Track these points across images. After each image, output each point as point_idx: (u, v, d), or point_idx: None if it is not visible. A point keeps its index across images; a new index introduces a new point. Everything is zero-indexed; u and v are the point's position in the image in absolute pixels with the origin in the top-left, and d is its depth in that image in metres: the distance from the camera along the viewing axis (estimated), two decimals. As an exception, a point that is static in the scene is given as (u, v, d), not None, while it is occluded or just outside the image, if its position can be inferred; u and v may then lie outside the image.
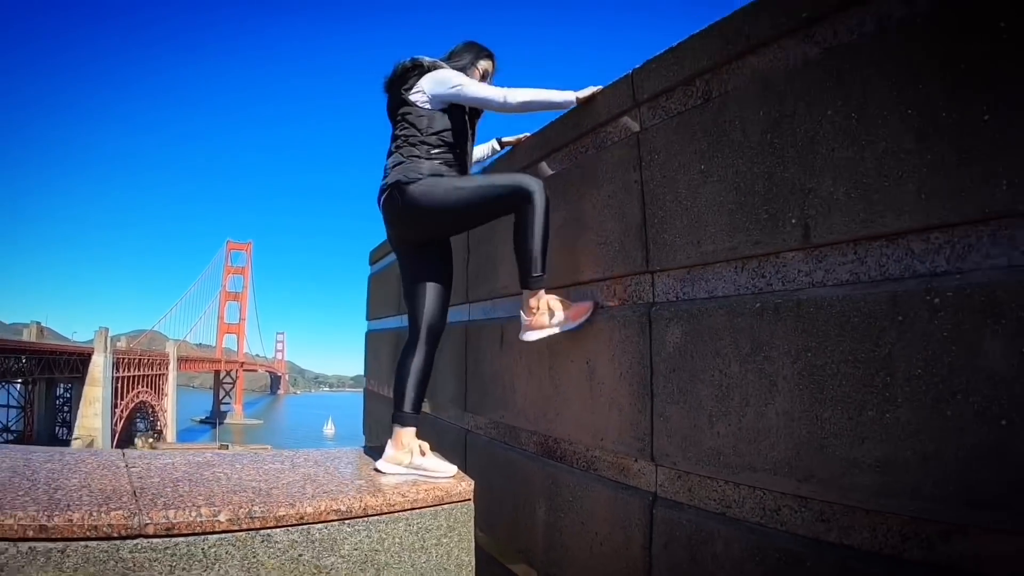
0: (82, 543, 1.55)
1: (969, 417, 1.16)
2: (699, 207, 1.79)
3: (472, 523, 2.15)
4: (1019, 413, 1.10)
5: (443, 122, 2.38)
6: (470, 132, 2.51)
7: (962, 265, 1.23)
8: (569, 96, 2.35)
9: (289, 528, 1.76)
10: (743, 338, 1.61)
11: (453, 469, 2.28)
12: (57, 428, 53.07)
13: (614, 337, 2.10)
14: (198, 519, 1.66)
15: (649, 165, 1.99)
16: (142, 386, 64.16)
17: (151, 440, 56.11)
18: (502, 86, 2.37)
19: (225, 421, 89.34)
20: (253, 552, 1.72)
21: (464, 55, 2.55)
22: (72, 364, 53.06)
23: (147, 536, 1.61)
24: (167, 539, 1.63)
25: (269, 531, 1.73)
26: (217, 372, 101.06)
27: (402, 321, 2.69)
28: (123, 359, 58.57)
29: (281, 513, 1.75)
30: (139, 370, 63.54)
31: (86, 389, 53.00)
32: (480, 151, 2.96)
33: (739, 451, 1.60)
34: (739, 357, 1.62)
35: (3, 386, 50.71)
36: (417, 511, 2.01)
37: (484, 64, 2.58)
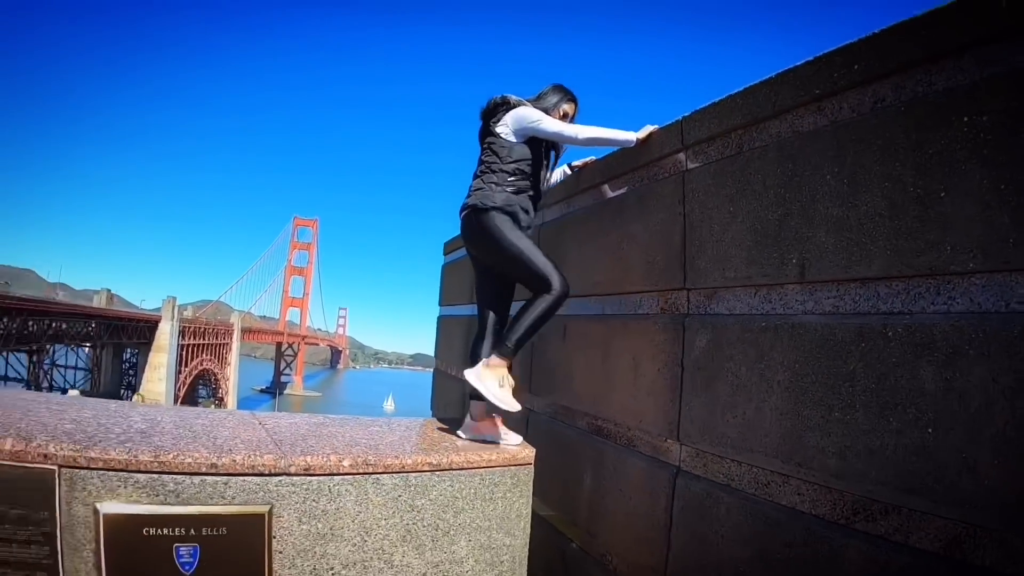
0: (241, 478, 2.04)
1: (905, 423, 1.52)
2: (726, 241, 2.17)
3: (531, 483, 2.60)
4: (941, 424, 1.46)
5: (522, 152, 2.78)
6: (546, 162, 2.91)
7: (912, 308, 1.58)
8: (630, 136, 2.72)
9: (393, 474, 2.25)
10: (751, 348, 1.99)
11: (519, 439, 2.73)
12: (122, 391, 54.53)
13: (656, 339, 2.50)
14: (327, 463, 2.16)
15: (691, 200, 2.37)
16: (206, 354, 65.87)
17: (213, 406, 57.32)
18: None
19: (285, 392, 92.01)
20: (365, 491, 2.21)
21: (550, 97, 2.93)
22: (139, 330, 55.19)
23: (289, 474, 2.11)
24: (304, 477, 2.13)
25: (378, 476, 2.23)
26: (279, 344, 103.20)
27: (474, 310, 3.13)
28: (189, 328, 60.07)
29: (388, 463, 2.25)
30: (204, 339, 65.07)
31: (152, 355, 54.88)
32: (555, 176, 3.36)
33: (743, 436, 1.99)
34: (747, 363, 2.00)
35: (72, 349, 52.62)
36: (489, 469, 2.47)
37: (566, 107, 2.96)
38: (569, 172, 3.39)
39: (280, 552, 2.06)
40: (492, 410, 2.75)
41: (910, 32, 1.62)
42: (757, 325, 1.99)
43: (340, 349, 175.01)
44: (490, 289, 2.92)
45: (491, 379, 2.64)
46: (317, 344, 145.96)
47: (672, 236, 2.46)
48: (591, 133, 2.73)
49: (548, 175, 2.99)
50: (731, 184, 2.17)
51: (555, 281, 2.57)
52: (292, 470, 2.10)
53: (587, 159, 3.29)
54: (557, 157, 3.06)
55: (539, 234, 3.71)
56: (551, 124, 2.76)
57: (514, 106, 2.81)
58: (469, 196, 2.79)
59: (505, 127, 2.79)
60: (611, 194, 3.01)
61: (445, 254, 6.44)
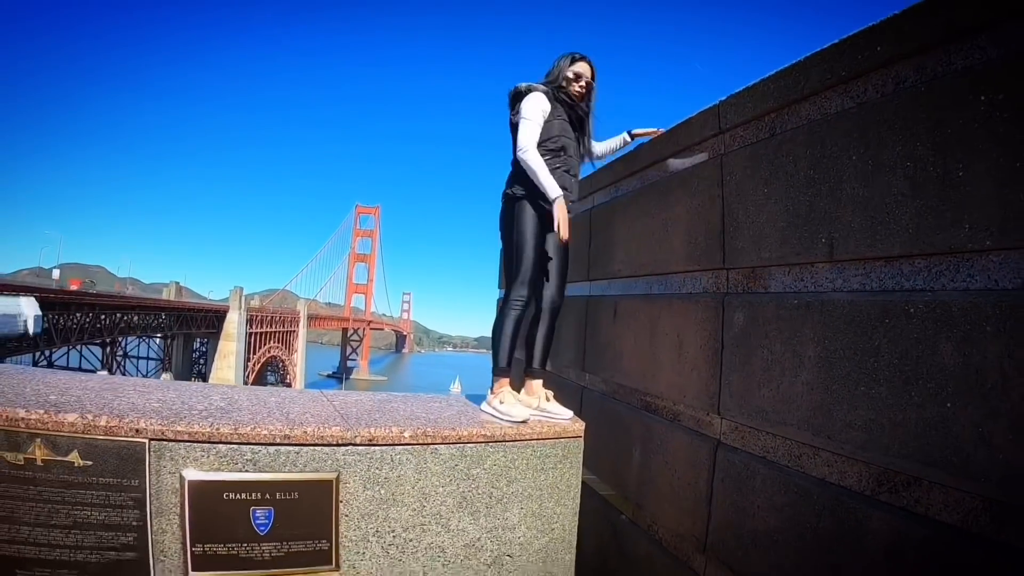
0: (311, 448, 2.26)
1: (926, 397, 1.57)
2: (761, 222, 2.22)
3: (581, 456, 2.73)
4: (959, 398, 1.49)
5: (543, 134, 2.88)
6: (577, 134, 3.00)
7: (933, 285, 1.61)
8: (555, 193, 2.74)
9: (450, 445, 2.43)
10: (784, 326, 2.05)
11: (570, 413, 2.87)
12: (192, 379, 54.85)
13: (697, 317, 2.57)
14: (390, 435, 2.36)
15: (728, 183, 2.42)
16: (273, 342, 67.72)
17: (281, 391, 59.37)
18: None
19: (351, 376, 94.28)
20: (424, 460, 2.40)
21: (555, 69, 3.02)
22: (208, 320, 56.82)
23: (355, 444, 2.32)
24: (368, 447, 2.34)
25: (436, 446, 2.41)
26: (345, 330, 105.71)
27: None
28: (256, 316, 61.85)
29: (446, 434, 2.43)
30: (271, 327, 66.89)
31: (221, 343, 56.90)
32: (611, 144, 3.39)
33: (777, 410, 2.06)
34: (781, 339, 2.06)
35: (144, 340, 54.12)
36: (540, 441, 2.63)
37: (576, 68, 3.00)
38: (629, 141, 3.36)
39: (346, 515, 2.28)
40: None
41: (930, 11, 1.64)
42: (790, 303, 2.05)
43: (405, 333, 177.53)
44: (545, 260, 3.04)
45: (494, 400, 2.83)
46: (382, 329, 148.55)
47: (711, 217, 2.52)
48: (532, 164, 2.77)
49: (586, 143, 3.06)
50: (765, 166, 2.22)
51: (514, 287, 2.82)
52: (357, 441, 2.31)
53: (652, 129, 3.22)
54: (586, 116, 3.09)
55: (590, 217, 3.80)
56: (521, 130, 2.85)
57: (525, 94, 2.91)
58: (506, 184, 2.95)
59: (519, 115, 2.89)
60: (655, 178, 3.06)
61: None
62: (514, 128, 2.93)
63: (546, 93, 2.92)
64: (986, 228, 1.48)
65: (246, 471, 2.16)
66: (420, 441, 2.39)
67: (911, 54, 1.70)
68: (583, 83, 2.99)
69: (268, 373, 69.49)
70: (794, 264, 2.08)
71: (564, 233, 2.72)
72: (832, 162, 1.92)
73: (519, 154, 2.79)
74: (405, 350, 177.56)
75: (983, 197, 1.49)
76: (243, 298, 60.03)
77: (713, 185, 2.51)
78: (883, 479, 1.69)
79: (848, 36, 1.89)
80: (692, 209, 2.67)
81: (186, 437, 2.11)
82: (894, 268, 1.72)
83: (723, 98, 2.50)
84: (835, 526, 1.78)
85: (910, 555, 1.55)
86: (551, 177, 2.76)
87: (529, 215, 2.81)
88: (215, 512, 2.13)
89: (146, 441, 2.06)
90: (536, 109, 2.85)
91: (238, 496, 2.15)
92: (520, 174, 2.85)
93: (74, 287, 47.76)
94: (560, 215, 2.71)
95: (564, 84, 2.96)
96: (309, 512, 2.23)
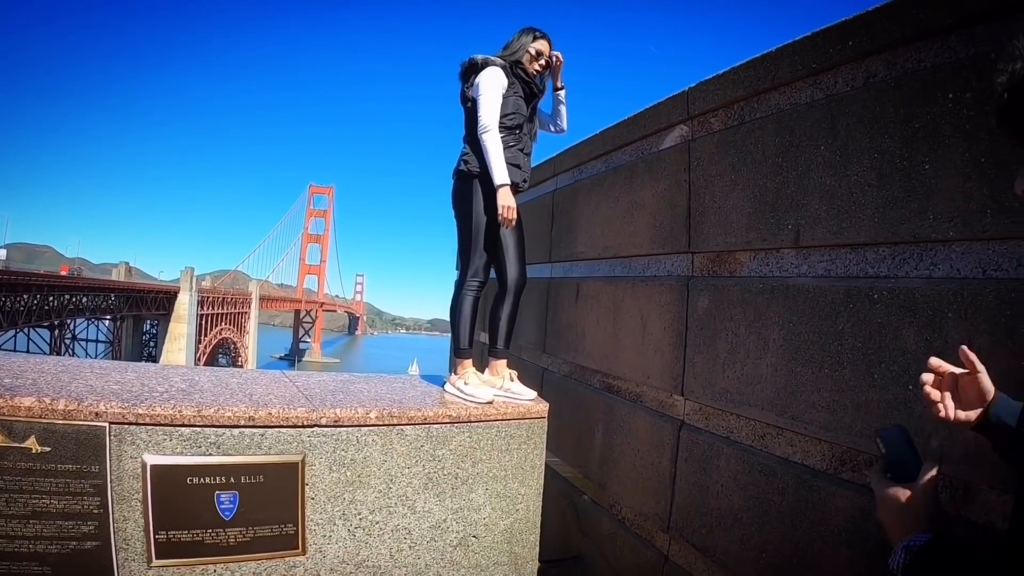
0: (276, 429, 2.17)
1: (888, 379, 1.61)
2: (728, 208, 2.24)
3: (545, 436, 2.73)
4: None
5: (500, 110, 2.74)
6: (527, 114, 2.86)
7: (897, 272, 1.66)
8: (501, 179, 2.66)
9: (416, 426, 2.39)
10: (749, 309, 2.08)
11: (533, 394, 2.85)
12: (142, 362, 53.95)
13: (662, 299, 2.59)
14: (355, 415, 2.30)
15: (695, 169, 2.43)
16: (225, 323, 65.91)
17: (233, 374, 57.95)
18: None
19: (303, 359, 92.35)
20: (390, 441, 2.36)
21: (515, 43, 2.88)
22: (158, 302, 55.07)
23: (320, 426, 2.24)
24: (334, 428, 2.26)
25: (402, 427, 2.37)
26: (297, 311, 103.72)
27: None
28: (207, 297, 60.00)
29: (412, 415, 2.38)
30: (222, 308, 64.97)
31: (171, 325, 54.98)
32: (556, 108, 3.11)
33: (741, 392, 2.09)
34: (745, 323, 2.09)
35: (93, 322, 52.22)
36: (505, 421, 2.61)
37: (536, 46, 2.87)
38: (558, 92, 3.08)
39: (312, 498, 2.22)
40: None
41: (901, 10, 1.66)
42: (755, 287, 2.08)
43: (358, 315, 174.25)
44: (502, 239, 2.92)
45: (458, 381, 2.81)
46: (335, 310, 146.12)
47: (678, 202, 2.53)
48: (489, 146, 2.69)
49: (538, 119, 2.97)
50: (733, 153, 2.23)
51: (470, 267, 2.79)
52: (323, 422, 2.24)
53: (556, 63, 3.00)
54: (540, 95, 2.96)
55: (553, 199, 3.78)
56: (482, 105, 2.73)
57: (482, 67, 2.78)
58: (458, 161, 2.84)
59: (476, 89, 2.77)
60: (624, 160, 3.06)
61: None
62: (466, 101, 2.82)
63: (504, 68, 2.80)
64: (950, 219, 1.52)
65: (210, 454, 2.07)
66: (386, 422, 2.34)
67: (882, 50, 1.72)
68: (543, 62, 2.90)
69: (219, 356, 67.65)
70: (760, 249, 2.11)
71: (508, 220, 2.68)
72: (800, 151, 1.95)
73: (480, 133, 2.69)
74: (358, 332, 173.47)
75: (948, 189, 1.53)
76: (194, 279, 58.19)
77: (680, 170, 2.52)
78: (846, 458, 1.74)
79: (820, 29, 1.91)
80: (658, 193, 2.68)
81: (147, 420, 2.00)
82: (859, 255, 1.76)
83: (692, 84, 2.51)
84: (799, 504, 1.83)
85: (873, 531, 1.60)
86: (503, 163, 2.68)
87: (482, 193, 2.73)
88: (178, 497, 2.04)
89: (106, 425, 1.95)
90: (496, 85, 2.75)
91: (202, 480, 2.06)
92: (474, 151, 2.77)
93: (64, 274, 45.80)
94: (503, 202, 2.65)
95: (525, 61, 2.86)
96: (275, 496, 2.16)
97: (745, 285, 2.13)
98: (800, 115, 1.97)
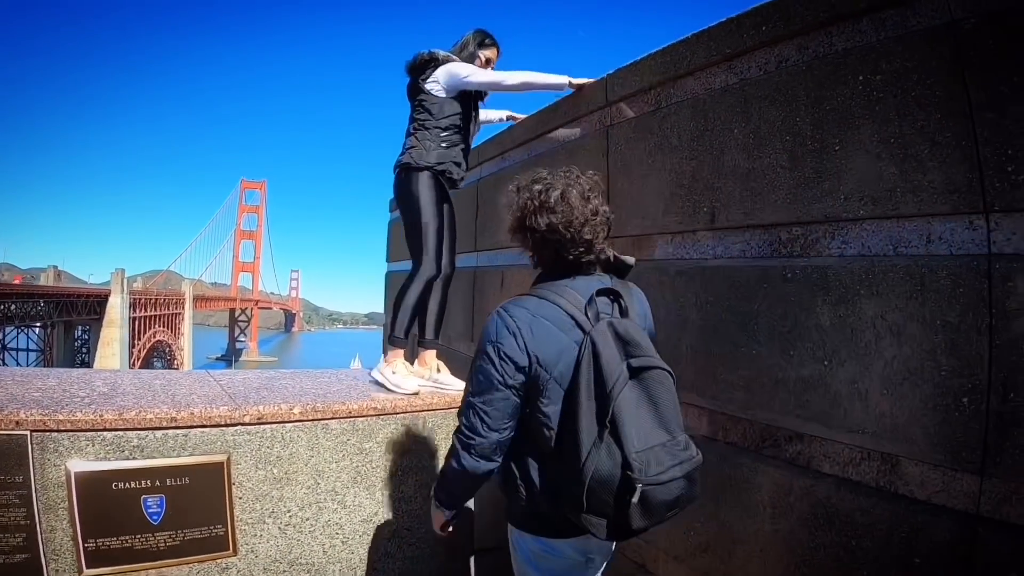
0: (199, 429, 2.03)
1: (804, 356, 1.61)
2: (645, 192, 2.20)
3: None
4: (835, 356, 1.54)
5: (453, 107, 2.65)
6: (474, 114, 2.81)
7: (809, 252, 1.65)
8: (562, 80, 2.65)
9: (341, 420, 2.25)
10: (667, 291, 2.05)
11: (462, 384, 2.76)
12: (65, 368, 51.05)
13: (583, 285, 2.54)
14: (279, 412, 2.14)
15: (613, 154, 2.39)
16: (159, 326, 62.74)
17: (169, 376, 55.26)
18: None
19: (241, 358, 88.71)
20: (316, 436, 2.21)
21: (471, 45, 2.78)
22: (89, 306, 51.55)
23: (244, 424, 2.09)
24: (258, 426, 2.11)
25: (327, 421, 2.23)
26: (232, 310, 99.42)
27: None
28: (139, 299, 56.75)
29: (336, 408, 2.24)
30: (156, 310, 61.86)
31: (104, 330, 51.72)
32: (495, 114, 3.22)
33: (662, 374, 2.07)
34: (664, 305, 2.06)
35: (22, 330, 49.56)
36: (432, 412, 2.50)
37: (487, 53, 2.80)
38: (504, 120, 3.25)
39: (240, 498, 2.07)
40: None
41: (814, -5, 1.65)
42: (672, 270, 2.05)
43: (294, 312, 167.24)
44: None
45: (387, 369, 2.67)
46: (271, 308, 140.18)
47: (597, 188, 2.48)
48: (522, 78, 2.65)
49: (475, 126, 2.91)
50: (650, 138, 2.20)
51: (424, 262, 2.65)
52: (246, 420, 2.10)
53: (522, 116, 3.19)
54: (484, 98, 2.92)
55: (478, 188, 3.68)
56: (483, 76, 2.67)
57: (443, 62, 2.67)
58: (403, 153, 2.69)
59: (436, 84, 2.65)
60: (541, 150, 2.99)
61: (391, 211, 6.32)
62: (416, 93, 2.70)
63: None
64: (860, 198, 1.52)
65: (134, 458, 1.92)
66: (310, 417, 2.19)
67: (795, 35, 1.70)
68: (491, 68, 2.83)
69: (155, 359, 63.61)
70: (676, 232, 2.08)
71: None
72: (715, 135, 1.92)
73: (503, 83, 2.68)
74: (295, 329, 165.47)
75: (858, 169, 1.52)
76: (125, 281, 54.12)
77: (599, 156, 2.47)
78: (766, 435, 1.73)
79: (734, 16, 1.88)
80: (577, 180, 2.62)
81: (69, 427, 1.84)
82: (772, 235, 1.75)
83: (611, 71, 2.46)
84: (722, 481, 1.81)
85: (795, 504, 1.60)
86: (543, 75, 2.70)
87: (427, 185, 2.62)
88: (105, 504, 1.89)
89: (27, 433, 1.78)
90: (469, 65, 2.69)
91: (127, 485, 1.91)
92: (418, 144, 2.64)
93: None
94: (578, 81, 2.70)
95: (476, 65, 2.77)
96: (202, 497, 2.01)
97: (662, 268, 2.10)
98: (715, 99, 1.95)
